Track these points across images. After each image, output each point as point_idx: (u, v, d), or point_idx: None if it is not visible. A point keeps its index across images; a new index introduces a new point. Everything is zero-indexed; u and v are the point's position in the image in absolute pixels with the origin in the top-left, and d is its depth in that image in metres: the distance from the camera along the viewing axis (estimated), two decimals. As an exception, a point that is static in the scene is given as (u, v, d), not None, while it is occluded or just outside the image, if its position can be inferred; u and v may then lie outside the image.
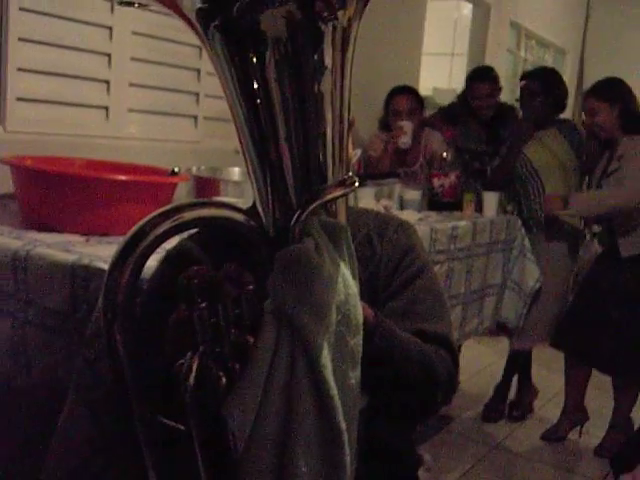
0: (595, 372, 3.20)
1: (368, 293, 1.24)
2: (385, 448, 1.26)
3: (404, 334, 1.11)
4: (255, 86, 0.88)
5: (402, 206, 2.82)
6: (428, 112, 3.68)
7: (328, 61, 0.90)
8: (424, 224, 2.52)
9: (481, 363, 3.99)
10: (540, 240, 3.26)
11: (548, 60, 6.44)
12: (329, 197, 0.90)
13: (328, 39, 0.88)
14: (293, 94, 0.89)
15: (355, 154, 2.50)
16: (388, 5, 3.90)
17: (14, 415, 1.62)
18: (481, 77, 3.44)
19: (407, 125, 3.06)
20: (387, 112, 3.25)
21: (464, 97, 3.48)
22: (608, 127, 2.98)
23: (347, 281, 0.93)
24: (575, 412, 3.23)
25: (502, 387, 3.50)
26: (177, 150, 2.78)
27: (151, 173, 1.95)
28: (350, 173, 0.96)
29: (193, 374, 0.85)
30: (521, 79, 3.39)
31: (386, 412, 1.18)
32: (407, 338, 1.11)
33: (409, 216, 2.63)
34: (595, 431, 3.27)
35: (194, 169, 2.40)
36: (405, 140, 3.05)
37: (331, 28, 0.88)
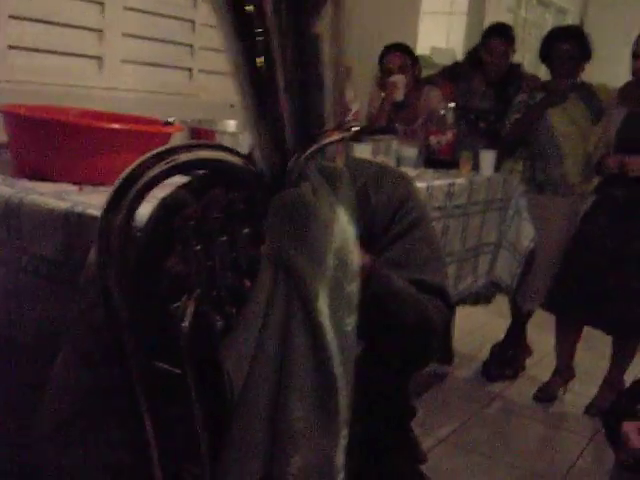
0: (584, 333, 3.24)
1: (364, 243, 1.24)
2: (380, 395, 1.26)
3: (400, 282, 1.11)
4: (254, 30, 0.86)
5: (399, 163, 2.80)
6: (428, 72, 3.64)
7: (322, 3, 0.87)
8: (420, 181, 2.50)
9: (474, 323, 4.00)
10: (553, 201, 3.27)
11: (549, 20, 6.35)
12: (326, 141, 0.89)
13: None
14: (290, 37, 0.87)
15: (355, 105, 2.47)
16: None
17: (6, 364, 1.62)
18: (500, 33, 3.38)
19: (399, 78, 3.04)
20: (381, 70, 3.21)
21: (474, 53, 3.44)
22: None
23: (344, 226, 0.92)
24: (565, 370, 3.27)
25: (506, 346, 3.53)
26: (171, 102, 2.74)
27: (145, 123, 1.92)
28: (348, 118, 0.95)
29: (188, 318, 0.84)
30: (554, 40, 3.25)
31: (381, 359, 1.18)
32: (403, 286, 1.11)
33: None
34: (584, 391, 3.31)
35: (189, 121, 2.37)
36: (398, 94, 3.02)
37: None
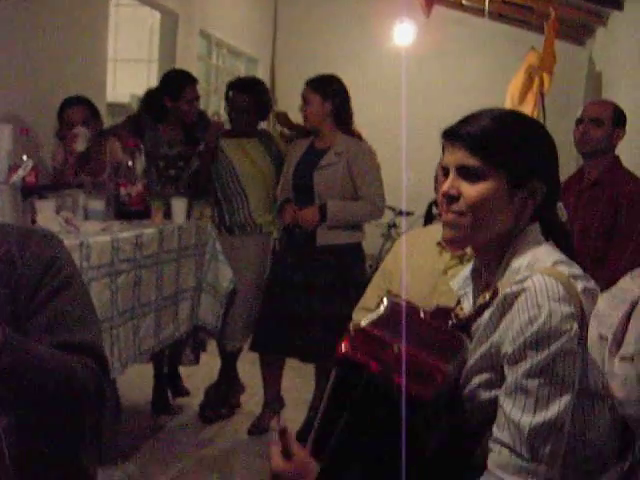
0: (293, 361, 3.43)
1: (11, 310, 1.20)
2: (49, 464, 1.23)
3: (40, 347, 1.10)
4: None
5: (86, 216, 2.75)
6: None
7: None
8: (106, 234, 2.48)
9: (191, 367, 4.02)
10: (244, 242, 3.44)
11: (240, 68, 6.69)
12: None
13: None
14: None
15: (26, 164, 2.38)
16: (67, 7, 3.76)
17: None
18: (190, 80, 3.49)
19: (81, 131, 2.98)
20: (61, 123, 3.12)
21: (152, 100, 3.49)
22: (317, 118, 3.18)
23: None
24: (273, 403, 3.43)
25: (219, 386, 3.60)
26: None
27: None
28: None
29: None
30: (230, 88, 3.49)
31: (37, 428, 1.15)
32: (43, 351, 1.10)
33: (92, 226, 2.57)
34: (297, 417, 3.48)
35: None
36: (80, 144, 2.97)
37: None
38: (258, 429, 3.40)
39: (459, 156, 1.18)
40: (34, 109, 3.36)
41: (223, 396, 3.58)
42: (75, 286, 1.26)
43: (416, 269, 2.25)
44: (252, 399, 3.72)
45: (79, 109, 3.08)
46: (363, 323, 1.10)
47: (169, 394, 3.68)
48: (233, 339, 3.44)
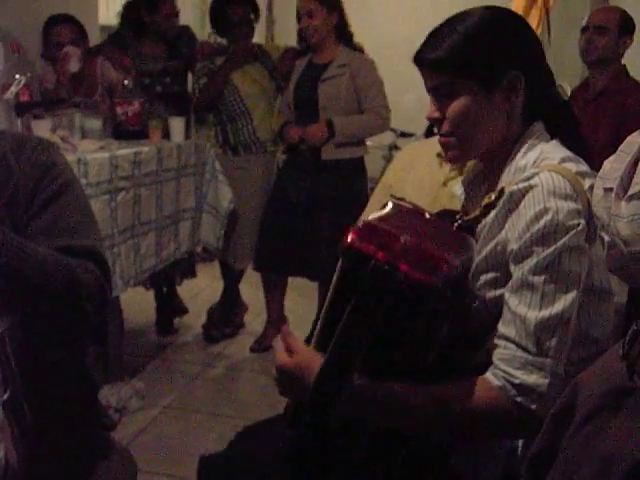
0: (296, 281, 3.45)
1: (9, 216, 1.19)
2: (50, 370, 1.23)
3: (40, 249, 1.09)
4: None
5: (83, 135, 2.72)
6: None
7: None
8: (104, 151, 2.45)
9: (194, 289, 4.06)
10: (249, 161, 3.39)
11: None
12: None
13: None
14: None
15: (19, 81, 2.33)
16: None
17: None
18: None
19: (72, 50, 2.90)
20: (47, 43, 3.02)
21: (132, 16, 3.40)
22: (322, 32, 3.08)
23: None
24: (276, 321, 3.46)
25: (222, 306, 3.63)
26: None
27: None
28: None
29: None
30: (226, 4, 3.31)
31: (41, 331, 1.16)
32: (43, 252, 1.09)
33: (89, 145, 2.55)
34: (300, 336, 3.52)
35: None
36: (74, 64, 2.90)
37: None
38: (261, 347, 3.44)
39: (430, 79, 1.20)
40: (21, 28, 3.27)
41: (226, 316, 3.62)
42: (74, 191, 1.25)
43: (416, 182, 2.23)
44: (256, 319, 3.76)
45: (67, 28, 2.98)
46: (369, 218, 1.09)
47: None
48: (237, 259, 3.45)
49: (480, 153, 1.23)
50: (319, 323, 1.13)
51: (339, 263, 1.06)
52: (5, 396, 1.12)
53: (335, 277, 1.07)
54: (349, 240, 1.02)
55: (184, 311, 3.76)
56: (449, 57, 1.15)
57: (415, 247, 1.01)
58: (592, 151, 1.23)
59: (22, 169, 1.21)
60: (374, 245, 1.00)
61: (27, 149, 1.24)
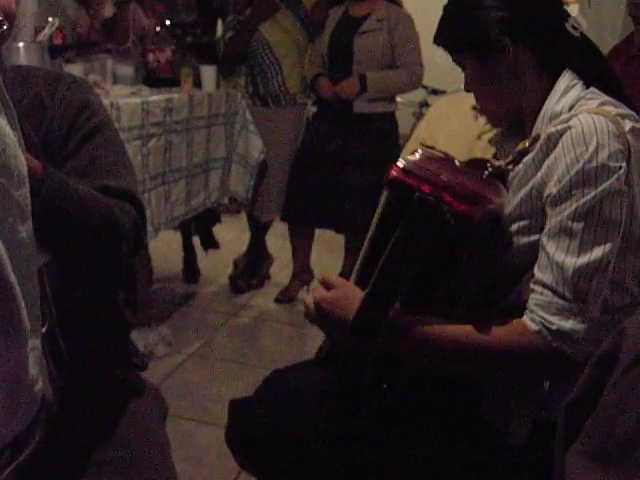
0: (323, 235, 3.45)
1: (45, 154, 1.18)
2: (84, 306, 1.25)
3: (80, 187, 1.08)
4: None
5: (115, 81, 2.71)
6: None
7: None
8: (136, 97, 2.44)
9: (222, 239, 4.08)
10: (278, 113, 3.35)
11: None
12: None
13: None
14: None
15: (52, 23, 2.32)
16: None
17: None
18: None
19: None
20: None
21: None
22: None
23: (3, 130, 0.87)
24: (302, 274, 3.47)
25: (249, 257, 3.65)
26: None
27: None
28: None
29: None
30: None
31: (73, 267, 1.16)
32: (83, 190, 1.08)
33: (121, 90, 2.54)
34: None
35: None
36: (108, 9, 2.89)
37: None
38: (285, 297, 3.46)
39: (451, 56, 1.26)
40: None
41: (252, 267, 3.64)
42: (109, 131, 1.23)
43: (450, 134, 2.19)
44: (282, 272, 3.77)
45: None
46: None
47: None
48: (266, 211, 3.45)
49: (508, 116, 1.24)
50: (359, 259, 1.12)
51: (382, 197, 1.07)
52: (43, 329, 1.14)
53: (378, 211, 1.07)
54: (394, 173, 1.03)
55: (215, 245, 3.78)
56: (442, 37, 1.23)
57: (456, 183, 1.02)
58: (636, 108, 1.20)
59: (57, 107, 1.20)
60: (418, 179, 1.02)
61: (61, 87, 1.23)
